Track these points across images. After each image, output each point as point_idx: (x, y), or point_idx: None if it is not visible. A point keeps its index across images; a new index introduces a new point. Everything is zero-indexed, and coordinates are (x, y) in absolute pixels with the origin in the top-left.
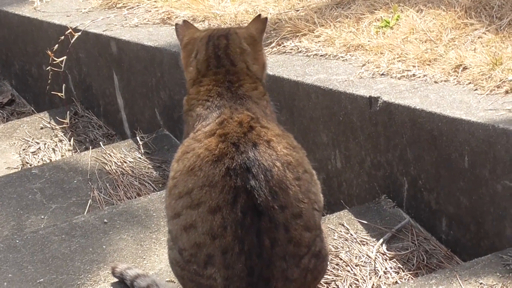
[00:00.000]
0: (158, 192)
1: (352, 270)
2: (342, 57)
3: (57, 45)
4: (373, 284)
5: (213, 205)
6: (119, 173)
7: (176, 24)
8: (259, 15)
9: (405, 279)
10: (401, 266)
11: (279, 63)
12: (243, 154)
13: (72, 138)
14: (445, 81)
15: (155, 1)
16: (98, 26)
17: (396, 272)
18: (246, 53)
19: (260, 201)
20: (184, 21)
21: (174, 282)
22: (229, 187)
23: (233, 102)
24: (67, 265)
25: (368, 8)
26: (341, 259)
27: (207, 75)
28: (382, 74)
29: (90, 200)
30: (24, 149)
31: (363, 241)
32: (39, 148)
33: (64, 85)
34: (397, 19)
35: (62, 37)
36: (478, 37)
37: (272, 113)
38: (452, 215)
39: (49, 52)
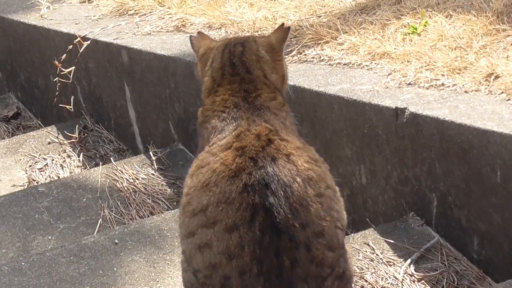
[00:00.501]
0: (173, 211)
1: None
2: (366, 65)
3: (65, 55)
4: None
5: (229, 223)
6: (131, 190)
7: (191, 36)
8: (283, 24)
9: None
10: None
11: (300, 72)
12: (261, 169)
13: (81, 153)
14: (475, 90)
15: (169, 8)
16: (109, 34)
17: None
18: (263, 60)
19: (280, 219)
20: (199, 32)
21: None
22: (247, 204)
23: (250, 113)
24: None
25: (394, 13)
26: (366, 281)
27: (222, 84)
28: (409, 84)
29: (100, 219)
30: (30, 166)
31: (390, 262)
32: (46, 164)
33: (72, 97)
34: (425, 25)
35: (70, 46)
36: (511, 44)
37: (292, 124)
38: (484, 233)
39: (57, 62)
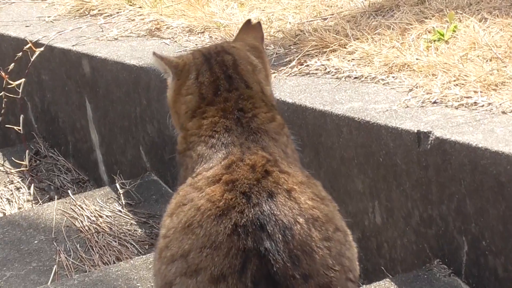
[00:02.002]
0: (144, 256)
1: None
2: (382, 79)
3: (13, 64)
4: None
5: (215, 273)
6: (93, 230)
7: (155, 53)
8: (249, 20)
9: None
10: None
11: (301, 87)
12: (255, 207)
13: (33, 185)
14: None
15: (140, 7)
16: (66, 39)
17: None
18: (258, 70)
19: (277, 268)
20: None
21: None
22: (237, 250)
23: (245, 138)
24: None
25: (416, 16)
26: None
27: (214, 102)
28: (435, 102)
29: (55, 265)
30: None
31: None
32: None
33: (22, 116)
34: (453, 31)
35: (20, 54)
36: None
37: (294, 152)
38: None
39: (3, 73)
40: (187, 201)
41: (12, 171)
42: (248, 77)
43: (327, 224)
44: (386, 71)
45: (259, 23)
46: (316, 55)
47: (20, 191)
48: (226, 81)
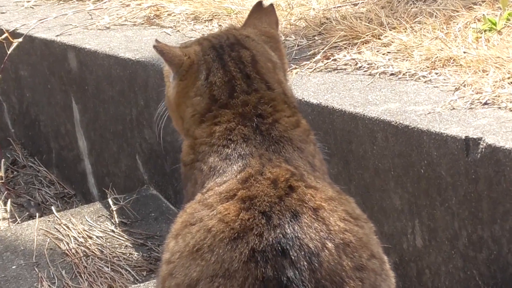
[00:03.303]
0: (142, 285)
1: None
2: (424, 76)
3: None
4: None
5: None
6: (81, 254)
7: (157, 44)
8: (259, 2)
9: None
10: None
11: (327, 85)
12: (276, 229)
13: (9, 200)
14: None
15: None
16: (49, 28)
17: None
18: (278, 67)
19: None
20: (157, 40)
21: None
22: (254, 280)
23: (265, 148)
24: None
25: (463, 1)
26: None
27: (229, 105)
28: (485, 104)
29: None
30: None
31: None
32: None
33: None
34: (507, 19)
35: None
36: None
37: (323, 164)
38: None
39: None
40: (196, 220)
41: None
42: (269, 77)
43: (361, 250)
44: (428, 67)
45: (271, 6)
46: (345, 48)
47: None
48: (243, 81)
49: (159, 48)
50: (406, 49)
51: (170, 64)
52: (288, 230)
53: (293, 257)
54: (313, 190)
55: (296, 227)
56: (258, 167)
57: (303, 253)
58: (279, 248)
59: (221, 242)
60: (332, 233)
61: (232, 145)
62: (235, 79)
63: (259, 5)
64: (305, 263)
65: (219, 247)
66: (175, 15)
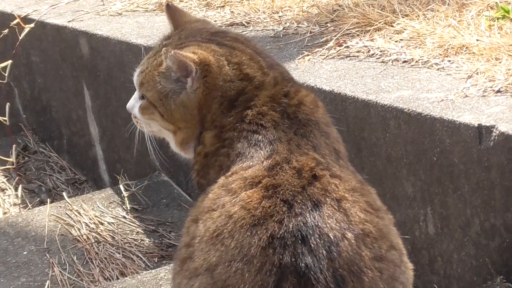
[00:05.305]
0: (153, 271)
1: None
2: (436, 64)
3: None
4: None
5: None
6: (93, 240)
7: (169, 5)
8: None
9: None
10: None
11: (340, 72)
12: (297, 217)
13: (20, 186)
14: None
15: None
16: (61, 14)
17: None
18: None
19: None
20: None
21: None
22: (271, 265)
23: (293, 132)
24: None
25: None
26: None
27: (264, 84)
28: (498, 91)
29: (48, 281)
30: None
31: None
32: None
33: (8, 104)
34: None
35: (5, 31)
36: None
37: (345, 149)
38: None
39: None
40: (218, 206)
41: None
42: (266, 53)
43: (380, 241)
44: (440, 54)
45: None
46: (358, 35)
47: (5, 193)
48: (260, 57)
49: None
50: (419, 36)
51: (187, 64)
52: (309, 218)
53: (312, 245)
54: (337, 180)
55: (317, 216)
56: (286, 154)
57: (322, 241)
58: (299, 235)
59: (241, 228)
60: (352, 224)
61: (263, 131)
62: (254, 55)
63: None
64: (324, 251)
65: (239, 232)
66: (187, 1)
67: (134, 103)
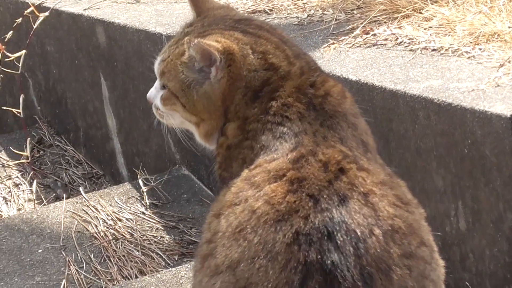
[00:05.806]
0: (174, 269)
1: None
2: (467, 52)
3: (11, 33)
4: None
5: None
6: (110, 237)
7: (197, 43)
8: None
9: None
10: None
11: (367, 61)
12: (323, 213)
13: (35, 181)
14: None
15: None
16: (77, 2)
17: None
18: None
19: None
20: None
21: None
22: (297, 263)
23: (320, 124)
24: None
25: None
26: None
27: (290, 74)
28: None
29: (64, 280)
30: None
31: None
32: None
33: (22, 96)
34: None
35: (19, 20)
36: None
37: (374, 141)
38: None
39: None
40: (240, 200)
41: (10, 163)
42: (292, 42)
43: (410, 237)
44: (471, 42)
45: None
46: (385, 22)
47: (19, 188)
48: (286, 46)
49: (201, 46)
50: (449, 23)
51: (211, 54)
52: (336, 214)
53: (339, 242)
54: (365, 173)
55: (344, 212)
56: (311, 146)
57: (349, 238)
58: (325, 231)
59: (265, 224)
60: (380, 219)
61: (288, 123)
62: (280, 44)
63: None
64: (351, 248)
65: (263, 228)
66: None
67: (155, 93)
